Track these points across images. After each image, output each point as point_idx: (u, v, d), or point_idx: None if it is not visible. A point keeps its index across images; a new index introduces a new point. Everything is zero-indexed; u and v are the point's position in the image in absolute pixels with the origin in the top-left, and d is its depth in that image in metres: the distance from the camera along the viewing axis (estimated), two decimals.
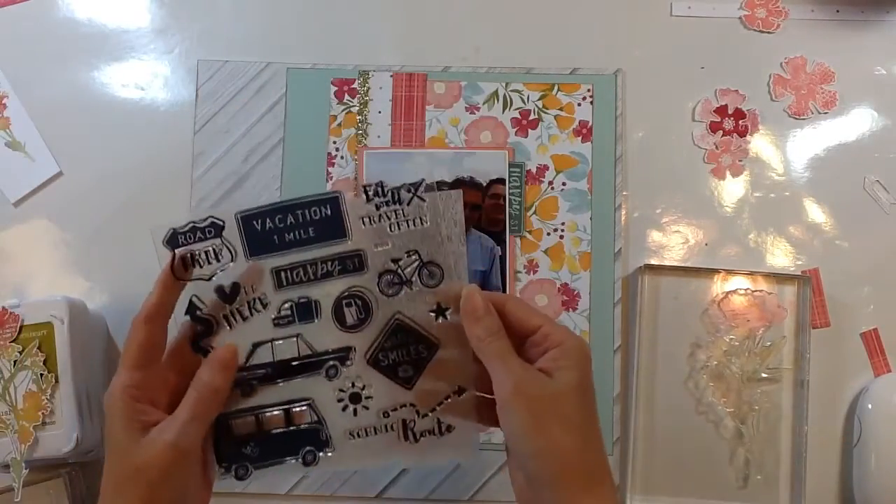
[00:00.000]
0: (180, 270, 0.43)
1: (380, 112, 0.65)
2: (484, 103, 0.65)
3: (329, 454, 0.45)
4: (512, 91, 0.65)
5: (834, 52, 0.65)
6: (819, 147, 0.65)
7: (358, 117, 0.65)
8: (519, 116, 0.65)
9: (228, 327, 0.44)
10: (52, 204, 0.65)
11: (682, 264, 0.63)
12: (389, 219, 0.44)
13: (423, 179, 0.44)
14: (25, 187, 0.65)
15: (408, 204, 0.44)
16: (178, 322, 0.44)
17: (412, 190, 0.44)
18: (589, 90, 0.65)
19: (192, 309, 0.44)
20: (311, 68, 0.66)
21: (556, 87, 0.65)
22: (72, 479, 0.58)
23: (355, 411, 0.45)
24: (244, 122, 0.65)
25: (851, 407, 0.61)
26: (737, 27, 0.66)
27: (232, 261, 0.44)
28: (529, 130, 0.64)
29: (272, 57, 0.66)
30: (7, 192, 0.65)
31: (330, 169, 0.64)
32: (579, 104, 0.65)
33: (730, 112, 0.65)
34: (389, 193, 0.44)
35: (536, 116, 0.64)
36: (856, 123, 0.65)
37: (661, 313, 0.62)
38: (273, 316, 0.44)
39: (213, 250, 0.44)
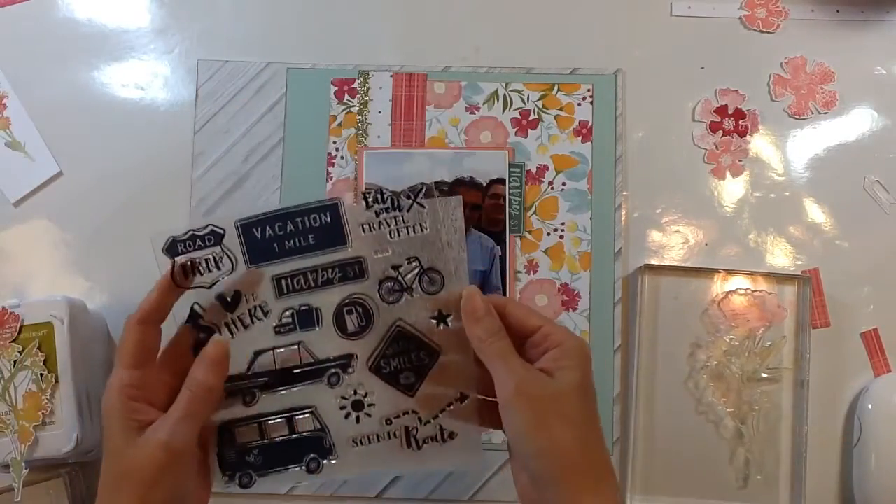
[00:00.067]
0: (180, 278, 0.43)
1: (380, 112, 0.65)
2: (484, 103, 0.65)
3: (332, 462, 0.45)
4: (512, 91, 0.65)
5: (834, 52, 0.65)
6: (819, 147, 0.65)
7: (358, 117, 0.65)
8: (519, 116, 0.65)
9: (230, 335, 0.44)
10: (52, 204, 0.65)
11: (682, 264, 0.63)
12: (389, 225, 0.44)
13: (422, 186, 0.44)
14: (25, 187, 0.65)
15: (407, 210, 0.44)
16: (177, 322, 0.44)
17: (412, 196, 0.44)
18: (589, 90, 0.65)
19: (193, 317, 0.44)
20: (311, 68, 0.66)
21: (556, 87, 0.65)
22: (72, 479, 0.58)
23: (358, 419, 0.45)
24: (244, 122, 0.65)
25: (851, 407, 0.61)
26: (737, 27, 0.66)
27: (232, 269, 0.44)
28: (529, 130, 0.64)
29: (272, 57, 0.66)
30: (7, 192, 0.65)
31: (330, 169, 0.64)
32: (579, 104, 0.65)
33: (730, 112, 0.65)
34: (389, 200, 0.44)
35: (536, 116, 0.64)
36: (856, 123, 0.65)
37: (661, 313, 0.62)
38: (274, 324, 0.44)
39: (214, 258, 0.43)
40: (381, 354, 0.44)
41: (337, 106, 0.65)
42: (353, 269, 0.44)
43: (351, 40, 0.66)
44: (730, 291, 0.62)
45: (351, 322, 0.44)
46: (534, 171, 0.64)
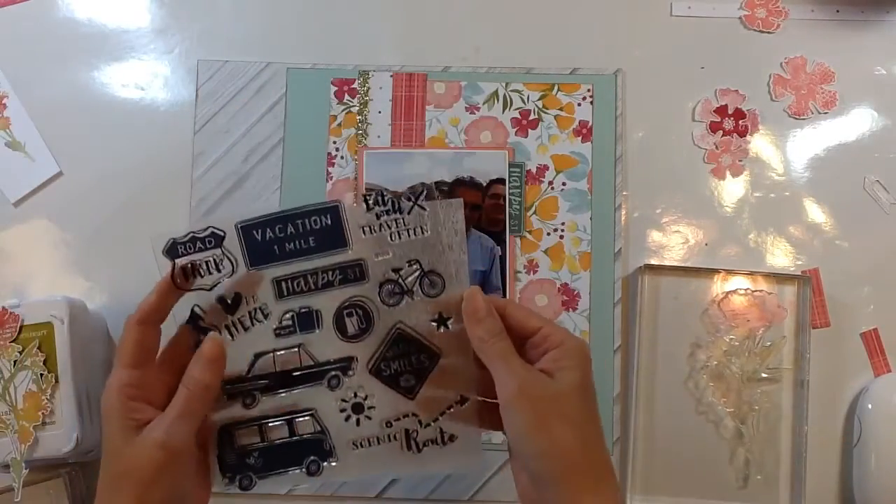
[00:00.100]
0: (181, 280, 0.43)
1: (380, 112, 0.65)
2: (484, 103, 0.65)
3: (333, 464, 0.45)
4: (512, 91, 0.65)
5: (834, 52, 0.65)
6: (819, 147, 0.65)
7: (358, 117, 0.65)
8: (519, 116, 0.65)
9: (230, 337, 0.44)
10: (52, 204, 0.65)
11: (682, 264, 0.63)
12: (390, 228, 0.44)
13: (423, 188, 0.43)
14: (25, 187, 0.65)
15: (408, 213, 0.44)
16: (177, 322, 0.44)
17: (413, 198, 0.43)
18: (589, 90, 0.65)
19: (193, 319, 0.44)
20: (311, 68, 0.66)
21: (556, 87, 0.65)
22: (72, 479, 0.58)
23: (358, 421, 0.45)
24: (244, 122, 0.65)
25: (851, 407, 0.61)
26: (737, 27, 0.66)
27: (233, 271, 0.44)
28: (529, 130, 0.64)
29: (272, 57, 0.66)
30: (7, 192, 0.65)
31: (330, 169, 0.64)
32: (579, 104, 0.65)
33: (730, 112, 0.65)
34: (390, 202, 0.44)
35: (536, 116, 0.64)
36: (856, 123, 0.65)
37: (661, 313, 0.62)
38: (274, 326, 0.44)
39: (214, 260, 0.43)
40: (381, 357, 0.44)
41: (337, 106, 0.65)
42: (354, 272, 0.44)
43: (351, 40, 0.66)
44: (730, 291, 0.62)
45: (351, 324, 0.44)
46: (534, 171, 0.64)
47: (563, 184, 0.64)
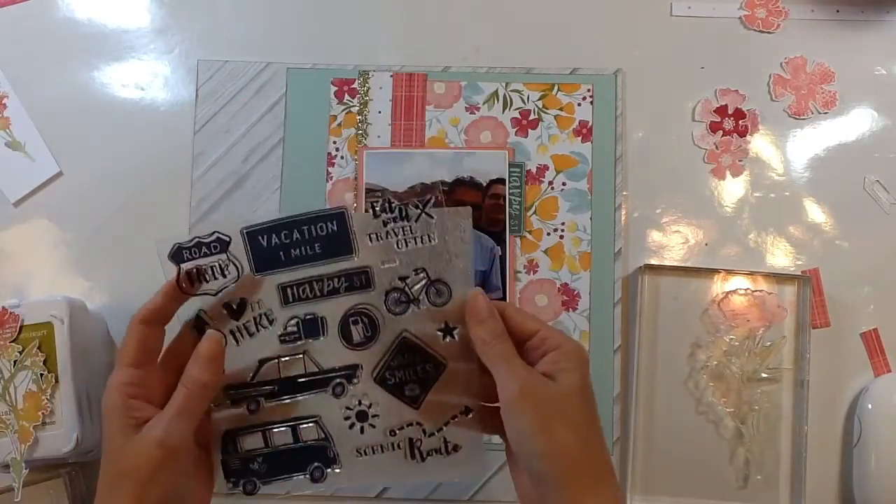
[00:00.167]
0: (186, 285, 0.43)
1: (380, 112, 0.65)
2: (484, 103, 0.65)
3: (337, 471, 0.45)
4: (512, 91, 0.65)
5: (834, 52, 0.65)
6: (819, 147, 0.65)
7: (358, 117, 0.65)
8: (519, 116, 0.65)
9: (235, 343, 0.44)
10: (52, 204, 0.65)
11: (682, 264, 0.63)
12: (397, 235, 0.44)
13: (431, 197, 0.43)
14: (25, 187, 0.65)
15: (415, 220, 0.43)
16: (180, 321, 0.44)
17: (420, 206, 0.43)
18: (589, 90, 0.65)
19: (199, 323, 0.44)
20: (311, 68, 0.66)
21: (556, 87, 0.65)
22: (72, 479, 0.58)
23: (362, 429, 0.45)
24: (244, 122, 0.65)
25: (851, 407, 0.61)
26: (737, 27, 0.66)
27: (238, 276, 0.43)
28: (529, 130, 0.64)
29: (272, 57, 0.66)
30: (7, 192, 0.65)
31: (330, 169, 0.64)
32: (579, 104, 0.65)
33: (730, 112, 0.65)
34: (397, 209, 0.43)
35: (536, 116, 0.64)
36: (856, 123, 0.65)
37: (661, 313, 0.62)
38: (279, 332, 0.44)
39: (220, 266, 0.43)
40: (386, 366, 0.44)
41: (337, 106, 0.65)
42: (360, 279, 0.44)
43: (351, 40, 0.66)
44: (730, 291, 0.62)
45: (356, 332, 0.44)
46: (534, 171, 0.64)
47: (563, 184, 0.64)
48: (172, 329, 0.44)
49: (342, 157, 0.64)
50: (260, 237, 0.43)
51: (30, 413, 0.56)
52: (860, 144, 0.65)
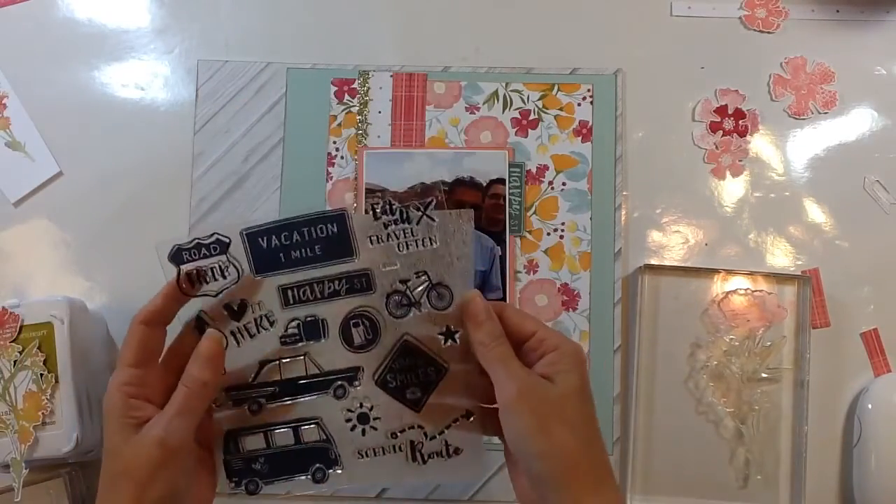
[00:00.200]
0: (186, 287, 0.43)
1: (380, 112, 0.65)
2: (484, 103, 0.65)
3: (338, 472, 0.45)
4: (512, 91, 0.65)
5: (834, 52, 0.65)
6: (819, 147, 0.65)
7: (358, 117, 0.65)
8: (519, 116, 0.65)
9: (236, 344, 0.44)
10: (52, 204, 0.65)
11: (682, 264, 0.63)
12: (398, 238, 0.43)
13: (432, 199, 0.43)
14: (25, 187, 0.65)
15: (417, 223, 0.43)
16: (181, 322, 0.44)
17: (421, 209, 0.43)
18: (589, 90, 0.65)
19: (200, 324, 0.44)
20: (311, 68, 0.66)
21: (556, 87, 0.65)
22: (72, 479, 0.58)
23: (363, 431, 0.45)
24: (244, 122, 0.65)
25: (851, 407, 0.61)
26: (737, 27, 0.66)
27: (238, 278, 0.43)
28: (529, 130, 0.64)
29: (272, 57, 0.66)
30: (7, 192, 0.65)
31: (330, 169, 0.64)
32: (579, 104, 0.65)
33: (730, 112, 0.65)
34: (398, 212, 0.43)
35: (536, 116, 0.64)
36: (856, 123, 0.65)
37: (661, 313, 0.62)
38: (280, 334, 0.44)
39: (220, 267, 0.43)
40: (387, 369, 0.44)
41: (337, 106, 0.65)
42: (361, 282, 0.44)
43: (351, 40, 0.66)
44: (730, 291, 0.62)
45: (357, 335, 0.44)
46: (534, 171, 0.64)
47: (563, 184, 0.64)
48: (174, 329, 0.44)
49: (342, 157, 0.64)
50: (260, 239, 0.43)
51: (30, 413, 0.56)
52: (860, 144, 0.65)
